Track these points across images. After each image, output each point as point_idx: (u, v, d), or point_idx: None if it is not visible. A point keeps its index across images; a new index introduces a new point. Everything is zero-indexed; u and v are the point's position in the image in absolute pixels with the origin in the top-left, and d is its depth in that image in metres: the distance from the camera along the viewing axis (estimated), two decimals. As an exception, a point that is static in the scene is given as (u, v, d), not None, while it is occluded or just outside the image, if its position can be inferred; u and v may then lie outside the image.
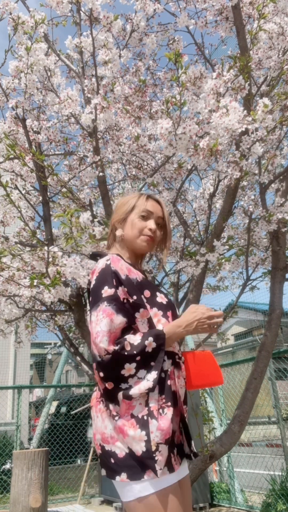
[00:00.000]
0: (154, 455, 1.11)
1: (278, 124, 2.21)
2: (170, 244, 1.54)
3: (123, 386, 1.16)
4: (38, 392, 15.10)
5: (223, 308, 4.44)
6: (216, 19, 2.38)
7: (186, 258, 2.56)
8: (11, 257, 2.20)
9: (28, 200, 2.62)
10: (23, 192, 2.58)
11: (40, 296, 2.19)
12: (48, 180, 2.39)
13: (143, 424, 1.14)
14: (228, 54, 2.55)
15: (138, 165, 2.82)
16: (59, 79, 2.51)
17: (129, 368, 1.16)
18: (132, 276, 1.30)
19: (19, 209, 2.38)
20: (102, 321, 1.18)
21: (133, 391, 1.15)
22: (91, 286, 1.29)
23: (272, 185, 2.72)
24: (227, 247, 2.60)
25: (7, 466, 5.86)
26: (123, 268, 1.29)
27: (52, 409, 8.72)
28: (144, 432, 1.13)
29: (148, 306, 1.28)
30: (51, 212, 2.56)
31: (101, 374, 1.17)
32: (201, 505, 4.34)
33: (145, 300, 1.28)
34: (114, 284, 1.24)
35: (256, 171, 2.45)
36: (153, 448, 1.11)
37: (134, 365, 1.16)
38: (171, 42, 2.55)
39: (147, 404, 1.16)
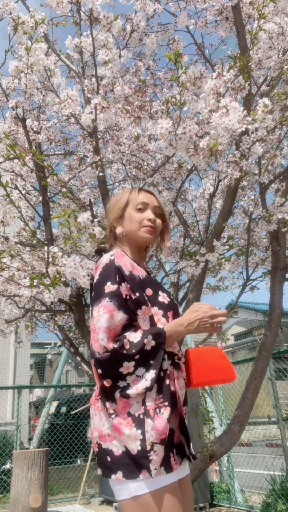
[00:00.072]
0: (148, 454, 1.10)
1: (278, 124, 2.21)
2: (170, 232, 1.53)
3: (121, 384, 1.15)
4: (38, 392, 15.11)
5: (223, 308, 4.43)
6: (216, 19, 2.38)
7: (186, 258, 2.56)
8: (11, 257, 2.20)
9: (28, 200, 2.62)
10: (23, 192, 2.58)
11: (40, 296, 2.19)
12: (48, 180, 2.39)
13: (139, 423, 1.13)
14: (228, 54, 2.56)
15: (138, 165, 2.82)
16: (59, 79, 2.51)
17: (127, 366, 1.14)
18: (136, 273, 1.29)
19: (19, 209, 2.38)
20: (102, 317, 1.17)
21: (131, 391, 1.14)
22: (94, 281, 1.28)
23: (272, 185, 2.72)
24: (227, 247, 2.60)
25: (7, 466, 5.86)
26: (127, 264, 1.28)
27: (52, 409, 8.72)
28: (139, 431, 1.12)
29: (149, 305, 1.26)
30: (51, 212, 2.56)
31: (99, 371, 1.16)
32: (201, 505, 4.34)
33: (146, 298, 1.27)
34: (117, 280, 1.22)
35: (256, 171, 2.45)
36: (148, 447, 1.10)
37: (133, 363, 1.14)
38: (171, 42, 2.55)
39: (144, 403, 1.15)
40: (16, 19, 2.12)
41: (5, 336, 2.92)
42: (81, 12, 2.33)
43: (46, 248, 2.07)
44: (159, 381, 1.18)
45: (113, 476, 1.13)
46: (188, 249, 2.98)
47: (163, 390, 1.18)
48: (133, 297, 1.24)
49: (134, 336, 1.17)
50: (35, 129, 2.48)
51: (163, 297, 1.32)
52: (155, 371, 1.15)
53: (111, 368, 1.15)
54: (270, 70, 2.43)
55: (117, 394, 1.15)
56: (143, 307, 1.24)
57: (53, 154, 2.85)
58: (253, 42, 2.27)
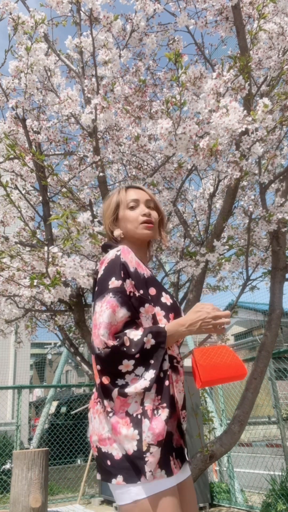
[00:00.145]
0: (144, 455, 1.08)
1: (278, 124, 2.21)
2: (165, 222, 1.51)
3: (119, 382, 1.13)
4: (38, 392, 15.11)
5: (223, 308, 4.44)
6: (216, 19, 2.38)
7: (186, 258, 2.56)
8: (11, 257, 2.20)
9: (28, 200, 2.62)
10: (23, 192, 2.58)
11: (40, 296, 2.19)
12: (48, 180, 2.39)
13: (137, 423, 1.11)
14: (228, 54, 2.56)
15: (138, 165, 2.82)
16: (59, 79, 2.51)
17: (127, 365, 1.13)
18: (141, 271, 1.27)
19: (19, 209, 2.38)
20: (105, 312, 1.15)
21: (129, 389, 1.12)
22: (99, 276, 1.26)
23: (272, 185, 2.72)
24: (227, 247, 2.60)
25: (7, 466, 5.86)
26: (133, 261, 1.27)
27: (52, 409, 8.72)
28: (136, 431, 1.10)
29: (152, 303, 1.25)
30: (51, 212, 2.56)
31: (99, 367, 1.14)
32: (201, 505, 4.34)
33: (150, 297, 1.25)
34: (122, 276, 1.21)
35: (256, 171, 2.45)
36: (144, 448, 1.08)
37: (132, 362, 1.13)
38: (171, 42, 2.55)
39: (142, 403, 1.13)
40: (16, 19, 2.12)
41: (5, 336, 2.92)
42: (81, 12, 2.33)
43: (46, 248, 2.07)
44: (158, 381, 1.16)
45: (113, 481, 1.11)
46: (188, 249, 2.98)
47: (162, 391, 1.16)
48: (137, 294, 1.22)
49: (134, 334, 1.15)
50: (35, 129, 2.48)
51: (166, 298, 1.31)
52: (154, 371, 1.13)
53: (111, 365, 1.13)
54: (270, 70, 2.43)
55: (115, 392, 1.13)
56: (146, 305, 1.22)
57: (53, 154, 2.85)
58: (253, 42, 2.27)
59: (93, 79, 2.38)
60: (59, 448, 6.44)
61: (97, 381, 1.17)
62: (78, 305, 2.65)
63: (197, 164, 1.87)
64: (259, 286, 2.99)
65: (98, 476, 1.19)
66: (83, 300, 2.76)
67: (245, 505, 4.22)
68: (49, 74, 2.44)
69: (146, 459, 1.08)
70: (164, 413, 1.13)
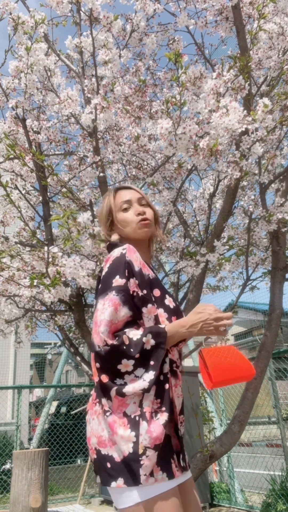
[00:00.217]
0: (140, 458, 1.05)
1: (278, 124, 2.21)
2: (159, 218, 1.48)
3: (118, 381, 1.11)
4: (38, 392, 15.12)
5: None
6: (216, 19, 2.38)
7: (186, 258, 2.56)
8: (11, 257, 2.20)
9: (28, 200, 2.62)
10: (23, 192, 2.58)
11: (40, 296, 2.19)
12: (48, 180, 2.39)
13: (134, 425, 1.09)
14: (228, 54, 2.56)
15: (138, 165, 2.82)
16: (59, 79, 2.51)
17: (126, 364, 1.11)
18: (145, 271, 1.26)
19: (19, 209, 2.38)
20: (106, 310, 1.14)
21: (127, 389, 1.10)
22: (103, 273, 1.25)
23: (272, 185, 2.72)
24: (227, 247, 2.61)
25: (7, 466, 5.86)
26: (138, 260, 1.25)
27: (52, 409, 8.72)
28: (133, 433, 1.08)
29: (154, 304, 1.23)
30: (51, 212, 2.56)
31: (98, 365, 1.13)
32: (201, 505, 4.33)
33: (153, 299, 1.24)
34: (126, 275, 1.19)
35: (256, 171, 2.46)
36: (140, 451, 1.06)
37: (132, 361, 1.11)
38: (171, 42, 2.55)
39: (140, 405, 1.11)
40: (16, 19, 2.12)
41: (5, 336, 2.92)
42: (81, 12, 2.33)
43: (46, 248, 2.07)
44: (158, 384, 1.14)
45: (113, 484, 1.08)
46: (188, 249, 2.98)
47: (162, 394, 1.14)
48: (140, 294, 1.20)
49: (134, 333, 1.13)
50: (35, 129, 2.48)
51: (169, 301, 1.29)
52: (154, 372, 1.11)
53: (110, 363, 1.12)
54: (270, 70, 2.43)
55: (113, 392, 1.11)
56: (149, 305, 1.21)
57: (53, 154, 2.85)
58: (253, 42, 2.27)
59: (93, 79, 2.38)
60: (59, 448, 6.44)
61: (96, 379, 1.16)
62: (78, 305, 2.65)
63: (197, 164, 1.87)
64: (259, 286, 2.99)
65: (98, 480, 1.16)
66: (83, 300, 2.77)
67: (245, 505, 4.22)
68: (49, 74, 2.44)
69: (141, 462, 1.05)
70: (163, 417, 1.11)
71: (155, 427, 1.09)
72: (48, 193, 2.57)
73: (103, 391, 1.14)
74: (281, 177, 2.70)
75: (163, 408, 1.12)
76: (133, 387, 1.10)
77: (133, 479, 1.06)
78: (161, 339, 1.14)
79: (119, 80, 2.49)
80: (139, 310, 1.20)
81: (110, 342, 1.11)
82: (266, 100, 1.79)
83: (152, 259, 1.59)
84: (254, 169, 2.43)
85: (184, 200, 3.36)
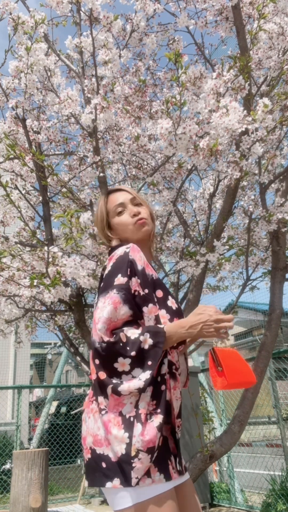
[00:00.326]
0: (132, 461, 1.03)
1: (278, 124, 2.21)
2: (154, 217, 1.48)
3: (114, 380, 1.10)
4: (38, 392, 15.11)
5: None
6: (216, 19, 2.38)
7: (186, 258, 2.56)
8: (11, 257, 2.20)
9: (28, 200, 2.62)
10: (23, 192, 2.58)
11: (40, 296, 2.19)
12: (48, 180, 2.39)
13: (128, 426, 1.07)
14: (228, 54, 2.56)
15: (138, 165, 2.82)
16: (59, 79, 2.51)
17: (122, 363, 1.09)
18: (149, 271, 1.25)
19: (19, 209, 2.38)
20: (106, 308, 1.13)
21: (122, 387, 1.08)
22: (106, 271, 1.24)
23: (272, 185, 2.72)
24: (227, 247, 2.61)
25: (7, 466, 5.86)
26: (141, 259, 1.24)
27: (52, 409, 8.72)
28: (127, 434, 1.06)
29: (157, 306, 1.22)
30: (51, 212, 2.56)
31: (96, 361, 1.12)
32: (201, 505, 4.33)
33: (156, 300, 1.23)
34: (128, 273, 1.19)
35: (256, 171, 2.46)
36: (133, 453, 1.04)
37: (128, 360, 1.09)
38: (171, 42, 2.55)
39: (136, 406, 1.09)
40: (16, 19, 2.12)
41: (5, 336, 2.92)
42: (81, 12, 2.33)
43: (46, 248, 2.07)
44: (155, 386, 1.12)
45: (108, 484, 1.05)
46: (188, 249, 2.98)
47: (157, 395, 1.12)
48: (142, 293, 1.19)
49: (132, 332, 1.12)
50: (35, 129, 2.48)
51: (171, 302, 1.28)
52: (150, 371, 1.09)
53: (107, 361, 1.11)
54: (270, 70, 2.43)
55: (109, 390, 1.10)
56: (150, 305, 1.19)
57: (53, 154, 2.85)
58: (253, 42, 2.27)
59: (93, 79, 2.38)
60: (59, 448, 6.44)
61: (93, 376, 1.15)
62: (78, 305, 2.65)
63: (197, 164, 1.87)
64: (259, 286, 2.99)
65: (87, 483, 1.13)
66: (83, 300, 2.77)
67: (245, 505, 4.23)
68: (49, 74, 2.44)
69: (133, 464, 1.04)
70: (157, 419, 1.09)
71: (148, 430, 1.06)
72: (48, 193, 2.57)
73: (100, 388, 1.13)
74: (281, 177, 2.70)
75: (158, 410, 1.10)
76: (128, 386, 1.08)
77: (126, 481, 1.04)
78: (159, 339, 1.12)
79: (119, 80, 2.49)
80: (140, 310, 1.18)
81: (106, 339, 1.10)
82: (266, 100, 1.79)
83: (153, 259, 1.58)
84: (254, 169, 2.43)
85: (184, 200, 3.36)
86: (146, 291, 1.20)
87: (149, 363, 1.10)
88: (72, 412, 8.11)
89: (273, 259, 2.69)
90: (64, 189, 2.54)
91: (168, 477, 1.08)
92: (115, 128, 2.67)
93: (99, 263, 2.25)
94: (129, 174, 3.06)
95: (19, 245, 2.52)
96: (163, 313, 1.23)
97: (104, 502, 5.17)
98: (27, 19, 2.15)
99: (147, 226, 1.37)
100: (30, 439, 7.68)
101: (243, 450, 5.73)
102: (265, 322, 2.76)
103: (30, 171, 2.31)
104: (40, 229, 3.02)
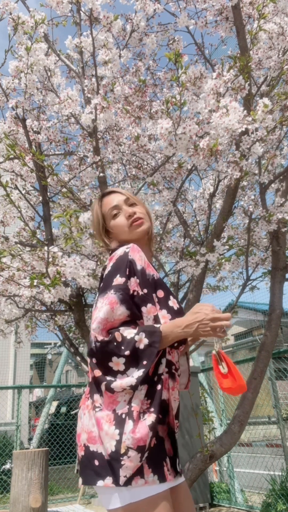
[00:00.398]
0: (121, 458, 1.02)
1: (278, 124, 2.21)
2: (151, 215, 1.48)
3: (108, 377, 1.10)
4: (38, 392, 15.11)
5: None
6: (216, 19, 2.38)
7: (186, 258, 2.56)
8: (11, 257, 2.20)
9: (28, 200, 2.62)
10: (23, 192, 2.58)
11: (40, 296, 2.19)
12: (48, 180, 2.39)
13: (119, 423, 1.06)
14: (228, 54, 2.56)
15: (138, 165, 2.82)
16: (59, 79, 2.51)
17: (117, 362, 1.09)
18: (150, 271, 1.24)
19: (19, 209, 2.38)
20: (103, 308, 1.14)
21: (115, 384, 1.08)
22: (106, 271, 1.24)
23: (272, 185, 2.72)
24: (227, 247, 2.61)
25: (7, 466, 5.86)
26: (142, 259, 1.23)
27: (52, 409, 8.72)
28: (117, 431, 1.05)
29: (158, 306, 1.21)
30: (51, 212, 2.56)
31: (93, 360, 1.12)
32: (201, 505, 4.34)
33: (156, 300, 1.22)
34: (127, 273, 1.18)
35: (256, 171, 2.46)
36: (122, 450, 1.02)
37: (122, 360, 1.08)
38: (171, 42, 2.55)
39: (129, 403, 1.08)
40: (16, 19, 2.12)
41: (5, 336, 2.92)
42: (81, 12, 2.34)
43: (46, 248, 2.07)
44: (150, 384, 1.11)
45: (99, 482, 1.03)
46: (188, 249, 2.98)
47: (152, 394, 1.11)
48: (140, 293, 1.18)
49: (128, 332, 1.10)
50: (35, 129, 2.48)
51: (173, 302, 1.26)
52: (144, 370, 1.08)
53: (101, 360, 1.11)
54: (270, 70, 2.43)
55: (103, 386, 1.10)
56: (149, 305, 1.18)
57: (53, 154, 2.85)
58: (253, 42, 2.27)
59: (93, 79, 2.38)
60: (59, 448, 6.44)
61: (90, 375, 1.15)
62: (78, 305, 2.65)
63: (197, 164, 1.87)
64: (259, 286, 2.99)
65: (80, 481, 1.11)
66: (83, 300, 2.77)
67: (245, 505, 4.22)
68: (49, 74, 2.44)
69: (122, 462, 1.02)
70: (150, 418, 1.07)
71: (140, 428, 1.05)
72: (48, 193, 2.57)
73: (96, 386, 1.13)
74: (281, 177, 2.70)
75: (152, 409, 1.09)
76: (120, 383, 1.08)
77: (116, 480, 1.02)
78: (155, 338, 1.10)
79: (119, 80, 2.49)
80: (139, 310, 1.18)
81: (100, 338, 1.10)
82: (266, 100, 1.79)
83: (153, 258, 1.58)
84: (254, 169, 2.43)
85: (184, 200, 3.36)
86: (145, 291, 1.19)
87: (144, 362, 1.09)
88: (72, 412, 8.11)
89: (273, 259, 2.69)
90: (64, 189, 2.54)
91: (162, 479, 1.06)
92: (115, 128, 2.67)
93: (99, 263, 2.25)
94: (129, 174, 3.06)
95: (19, 245, 2.52)
96: (164, 313, 1.22)
97: (104, 502, 5.17)
98: (27, 19, 2.15)
99: (144, 224, 1.37)
100: (30, 439, 7.68)
101: (243, 450, 5.73)
102: (265, 322, 2.76)
103: (30, 171, 2.31)
104: (40, 229, 3.02)
